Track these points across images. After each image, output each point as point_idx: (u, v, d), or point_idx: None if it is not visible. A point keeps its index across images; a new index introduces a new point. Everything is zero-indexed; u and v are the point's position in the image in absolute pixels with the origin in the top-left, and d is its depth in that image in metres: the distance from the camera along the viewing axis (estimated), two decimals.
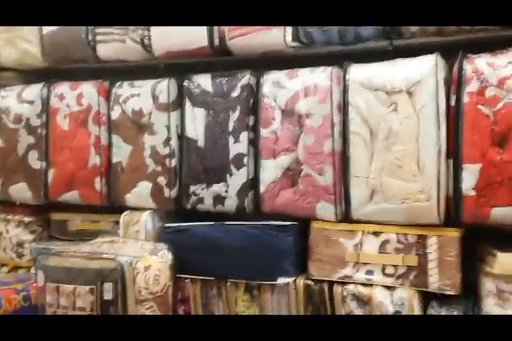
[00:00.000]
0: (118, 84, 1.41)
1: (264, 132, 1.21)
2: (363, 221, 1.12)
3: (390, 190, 1.07)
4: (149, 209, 1.36)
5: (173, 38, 1.33)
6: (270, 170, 1.21)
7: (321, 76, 1.16)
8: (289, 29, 1.19)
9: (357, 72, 1.12)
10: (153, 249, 1.25)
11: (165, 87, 1.34)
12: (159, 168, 1.35)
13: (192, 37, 1.30)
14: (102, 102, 1.41)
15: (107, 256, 1.16)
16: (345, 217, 1.14)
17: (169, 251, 1.25)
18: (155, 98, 1.35)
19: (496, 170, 0.97)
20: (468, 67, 1.02)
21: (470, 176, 0.99)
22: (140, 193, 1.37)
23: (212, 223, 1.27)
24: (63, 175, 1.44)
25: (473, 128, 0.99)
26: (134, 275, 1.15)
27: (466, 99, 1.00)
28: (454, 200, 1.01)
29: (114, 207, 1.41)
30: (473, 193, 0.99)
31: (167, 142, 1.34)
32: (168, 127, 1.34)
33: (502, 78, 0.98)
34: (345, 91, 1.12)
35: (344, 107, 1.11)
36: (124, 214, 1.37)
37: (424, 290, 1.06)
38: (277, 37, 1.21)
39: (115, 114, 1.39)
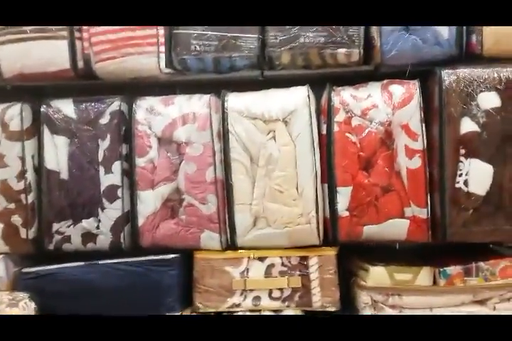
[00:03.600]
0: None
1: (139, 161, 1.29)
2: (248, 247, 1.27)
3: (272, 215, 1.24)
4: (1, 253, 1.32)
5: (27, 59, 1.33)
6: (148, 202, 1.29)
7: (198, 104, 1.29)
8: (163, 55, 1.31)
9: (234, 100, 1.28)
10: (11, 299, 1.22)
11: (17, 113, 1.34)
12: (12, 206, 1.33)
13: (51, 58, 1.33)
14: None
15: None
16: (231, 245, 1.28)
17: (31, 300, 1.23)
18: (4, 125, 1.34)
19: (364, 191, 1.21)
20: (335, 99, 1.25)
21: (343, 198, 1.22)
22: None
23: (82, 263, 1.29)
24: None
25: (343, 155, 1.22)
26: None
27: (335, 128, 1.23)
28: (331, 221, 1.22)
29: None
30: (346, 214, 1.22)
31: (22, 175, 1.33)
32: (22, 158, 1.33)
33: (364, 109, 1.23)
34: (224, 119, 1.27)
35: (224, 135, 1.26)
36: None
37: (308, 309, 1.24)
38: (150, 62, 1.31)
39: None
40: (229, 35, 1.29)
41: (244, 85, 1.34)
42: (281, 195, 1.23)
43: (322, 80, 1.31)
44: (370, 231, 1.22)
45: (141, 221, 1.29)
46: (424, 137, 1.21)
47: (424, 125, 1.22)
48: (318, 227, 1.23)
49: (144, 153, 1.29)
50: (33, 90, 1.39)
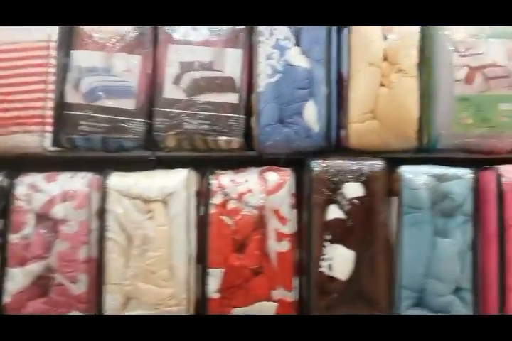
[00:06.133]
0: None
1: (13, 237, 1.23)
2: None
3: (143, 296, 1.20)
4: None
5: None
6: (17, 279, 1.21)
7: (80, 182, 1.27)
8: (48, 134, 1.30)
9: (117, 180, 1.28)
10: None
11: None
12: None
13: None
14: None
15: None
16: None
17: None
18: None
19: (236, 274, 1.21)
20: (214, 182, 1.27)
21: (214, 280, 1.20)
22: None
23: None
24: None
25: (217, 237, 1.22)
26: None
27: (211, 210, 1.24)
28: (201, 303, 1.20)
29: None
30: (217, 296, 1.20)
31: None
32: None
33: (240, 193, 1.26)
34: (103, 198, 1.25)
35: (102, 214, 1.23)
36: None
37: None
38: (34, 141, 1.29)
39: None
40: (117, 117, 1.32)
41: (135, 164, 1.35)
42: (153, 275, 1.20)
43: (210, 162, 1.34)
44: (239, 313, 1.19)
45: (7, 299, 1.20)
46: (294, 222, 1.25)
47: (295, 210, 1.26)
48: (188, 309, 1.20)
49: (19, 229, 1.23)
50: None
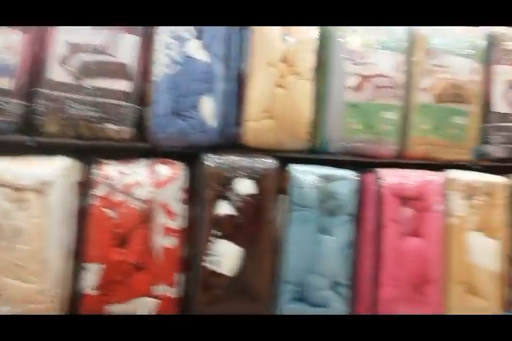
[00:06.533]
0: None
1: None
2: None
3: (10, 292, 1.09)
4: None
5: None
6: None
7: None
8: None
9: None
10: None
11: None
12: None
13: None
14: None
15: None
16: None
17: None
18: None
19: (116, 269, 1.14)
20: (98, 172, 1.19)
21: (91, 275, 1.12)
22: None
23: None
24: None
25: (97, 230, 1.14)
26: None
27: (93, 201, 1.16)
28: (76, 299, 1.12)
29: None
30: (93, 292, 1.12)
31: None
32: None
33: (127, 185, 1.19)
34: None
35: None
36: None
37: None
38: None
39: None
40: None
41: (11, 149, 1.21)
42: (22, 270, 1.09)
43: (97, 152, 1.25)
44: (117, 310, 1.13)
45: None
46: (184, 217, 1.20)
47: (186, 205, 1.22)
48: (60, 306, 1.11)
49: None
50: None
